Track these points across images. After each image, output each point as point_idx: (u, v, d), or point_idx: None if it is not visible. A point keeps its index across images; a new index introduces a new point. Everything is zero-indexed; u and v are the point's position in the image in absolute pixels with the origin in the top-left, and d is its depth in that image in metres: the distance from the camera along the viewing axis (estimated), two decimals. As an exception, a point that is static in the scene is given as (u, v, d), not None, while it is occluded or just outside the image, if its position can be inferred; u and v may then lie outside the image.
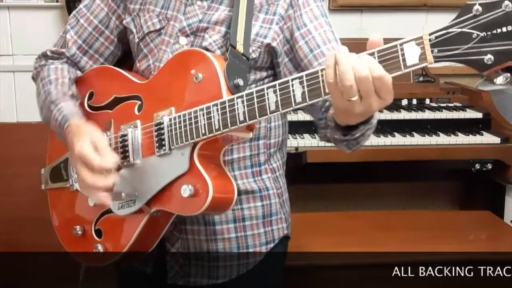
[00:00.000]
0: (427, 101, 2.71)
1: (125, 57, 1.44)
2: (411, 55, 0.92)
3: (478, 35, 0.88)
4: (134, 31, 1.33)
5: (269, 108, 1.04)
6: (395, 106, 2.63)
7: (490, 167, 2.45)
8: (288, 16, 1.27)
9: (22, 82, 2.85)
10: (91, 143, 1.15)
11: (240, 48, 1.20)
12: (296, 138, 2.42)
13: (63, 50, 1.39)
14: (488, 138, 2.49)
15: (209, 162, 1.16)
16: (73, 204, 1.35)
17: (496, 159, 2.45)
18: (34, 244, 2.30)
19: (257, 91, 1.06)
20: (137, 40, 1.33)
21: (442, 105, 2.68)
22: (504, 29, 0.87)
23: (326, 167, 2.38)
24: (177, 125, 1.15)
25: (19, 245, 2.33)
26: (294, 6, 1.27)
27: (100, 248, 1.27)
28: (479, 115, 2.59)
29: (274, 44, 1.26)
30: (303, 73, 1.01)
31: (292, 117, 2.44)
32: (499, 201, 2.63)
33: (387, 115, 2.53)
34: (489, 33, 0.87)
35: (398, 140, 2.44)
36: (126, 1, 1.35)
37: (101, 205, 1.27)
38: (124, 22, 1.35)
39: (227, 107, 1.09)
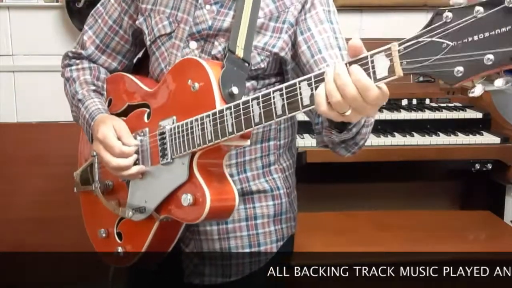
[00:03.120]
0: (427, 101, 2.70)
1: (146, 56, 1.45)
2: (381, 68, 0.87)
3: (448, 44, 0.81)
4: (146, 32, 1.34)
5: (254, 120, 1.04)
6: (395, 106, 2.62)
7: (490, 167, 2.45)
8: (296, 21, 1.27)
9: (22, 82, 2.85)
10: (114, 129, 1.23)
11: (240, 52, 1.19)
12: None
13: (82, 51, 1.42)
14: (488, 138, 2.49)
15: (210, 171, 1.17)
16: (97, 208, 1.39)
17: (496, 159, 2.45)
18: (36, 245, 2.31)
19: (243, 103, 1.05)
20: (148, 42, 1.34)
21: (442, 105, 2.68)
22: (475, 37, 0.80)
23: (326, 167, 2.38)
24: (177, 135, 1.17)
25: (21, 246, 2.33)
26: (301, 10, 1.26)
27: (120, 250, 1.33)
28: (479, 115, 2.59)
29: (282, 54, 1.26)
30: (283, 85, 0.99)
31: (292, 117, 2.44)
32: (499, 201, 2.63)
33: (387, 115, 2.53)
34: (459, 42, 0.81)
35: (398, 140, 2.44)
36: (137, 1, 1.34)
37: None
38: (137, 22, 1.36)
39: (217, 118, 1.09)
